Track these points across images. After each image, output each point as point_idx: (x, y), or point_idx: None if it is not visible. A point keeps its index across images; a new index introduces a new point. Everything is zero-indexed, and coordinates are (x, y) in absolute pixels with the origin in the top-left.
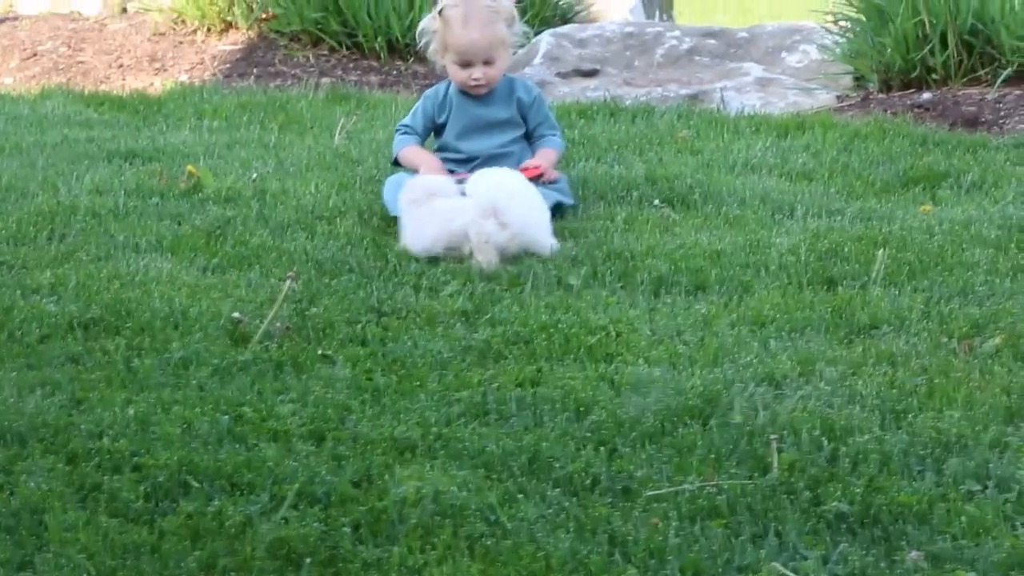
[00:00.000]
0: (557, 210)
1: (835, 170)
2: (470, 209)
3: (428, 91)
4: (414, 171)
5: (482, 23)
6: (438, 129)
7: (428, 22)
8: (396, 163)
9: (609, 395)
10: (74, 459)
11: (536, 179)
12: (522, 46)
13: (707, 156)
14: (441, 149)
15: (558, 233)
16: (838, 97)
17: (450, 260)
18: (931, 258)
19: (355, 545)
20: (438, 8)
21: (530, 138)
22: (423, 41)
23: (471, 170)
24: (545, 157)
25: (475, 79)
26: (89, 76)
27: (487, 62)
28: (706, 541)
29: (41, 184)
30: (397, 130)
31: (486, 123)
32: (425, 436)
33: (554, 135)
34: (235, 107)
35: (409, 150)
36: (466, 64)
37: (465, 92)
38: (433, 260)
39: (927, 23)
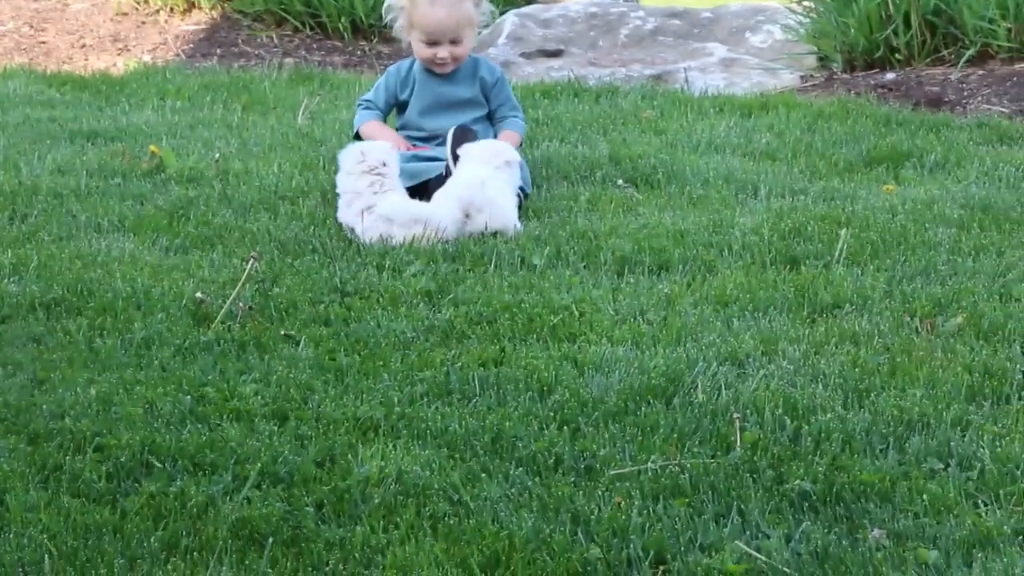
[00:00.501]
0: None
1: (799, 150)
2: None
3: (391, 67)
4: None
5: (449, 2)
6: (400, 106)
7: None
8: (357, 136)
9: (572, 375)
10: (36, 439)
11: None
12: (487, 26)
13: (671, 136)
14: (404, 127)
15: (523, 213)
16: (802, 77)
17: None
18: (894, 237)
19: (318, 525)
20: None
21: (492, 119)
22: (390, 17)
23: (433, 148)
24: (507, 139)
25: (441, 58)
26: (51, 56)
27: (453, 41)
28: (669, 520)
29: (2, 164)
30: (359, 104)
31: (449, 102)
32: (388, 416)
33: (516, 117)
34: (198, 87)
35: (370, 125)
36: (432, 43)
37: (429, 70)
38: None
39: (890, 3)
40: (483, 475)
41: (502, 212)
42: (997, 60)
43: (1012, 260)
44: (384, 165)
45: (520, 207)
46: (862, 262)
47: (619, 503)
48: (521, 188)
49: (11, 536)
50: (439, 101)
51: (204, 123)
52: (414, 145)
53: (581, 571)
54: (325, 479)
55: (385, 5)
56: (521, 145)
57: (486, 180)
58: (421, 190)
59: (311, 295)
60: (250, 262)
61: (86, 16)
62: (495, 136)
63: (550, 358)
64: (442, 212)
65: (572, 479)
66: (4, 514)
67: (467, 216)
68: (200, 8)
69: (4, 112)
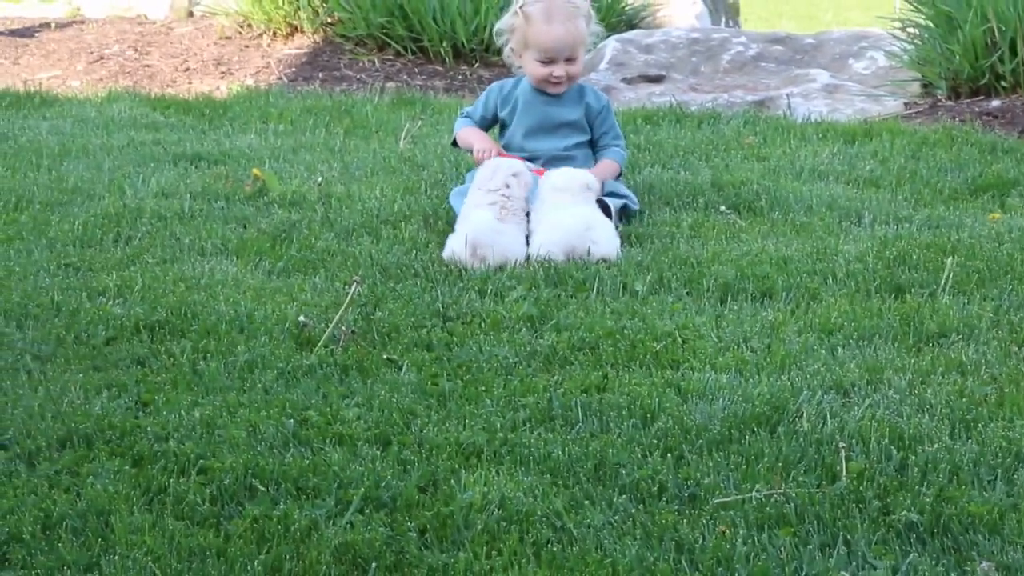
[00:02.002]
0: (623, 214)
1: (903, 177)
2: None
3: (495, 83)
4: (469, 151)
5: (565, 18)
6: (501, 125)
7: (508, 19)
8: (454, 144)
9: (675, 402)
10: (140, 461)
11: None
12: (589, 50)
13: (773, 162)
14: (506, 147)
15: (625, 239)
16: (906, 104)
17: (506, 266)
18: (1000, 266)
19: (421, 550)
20: (518, 5)
21: (594, 146)
22: (501, 40)
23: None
24: (606, 168)
25: (556, 76)
26: (155, 79)
27: (569, 59)
28: (774, 550)
29: (107, 186)
30: (459, 114)
31: (554, 123)
32: (491, 441)
33: (617, 146)
34: (300, 111)
35: (465, 130)
36: (548, 61)
37: (538, 89)
38: (500, 267)
39: (996, 30)
40: (586, 502)
41: (608, 244)
42: None
43: None
44: (508, 187)
45: (624, 222)
46: (968, 291)
47: (723, 532)
48: (625, 205)
49: (116, 558)
50: (544, 122)
51: (306, 147)
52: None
53: None
54: (428, 504)
55: (496, 28)
56: (621, 174)
57: (591, 223)
58: None
59: (413, 319)
60: (352, 286)
61: (190, 40)
62: (595, 163)
63: (653, 385)
64: (518, 248)
65: (676, 507)
66: (109, 536)
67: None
68: (303, 32)
69: (109, 135)
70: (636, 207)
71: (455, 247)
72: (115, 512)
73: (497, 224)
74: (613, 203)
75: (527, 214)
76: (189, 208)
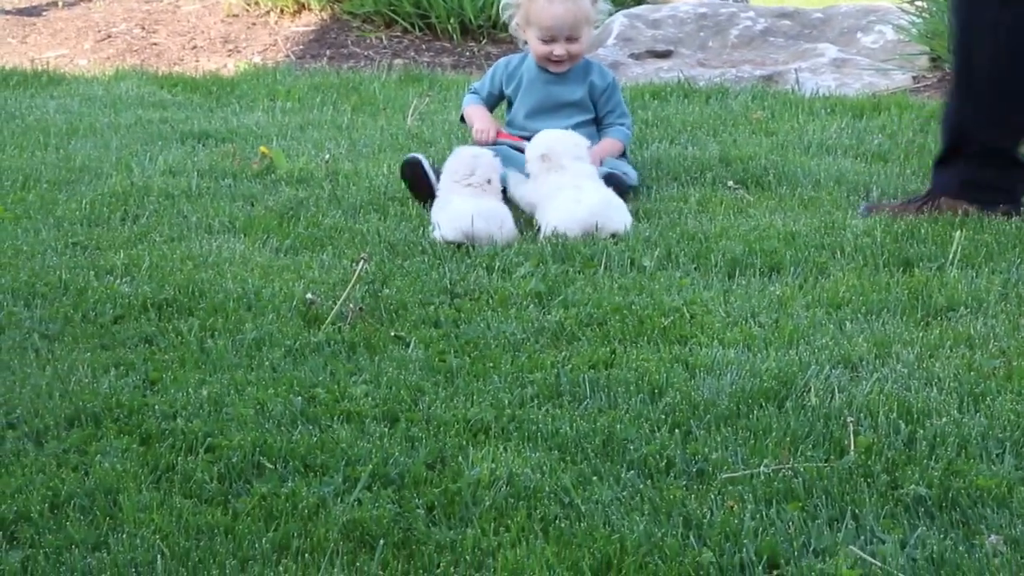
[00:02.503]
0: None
1: (911, 151)
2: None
3: (502, 59)
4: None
5: None
6: (507, 102)
7: None
8: (462, 120)
9: (683, 377)
10: (148, 440)
11: None
12: (598, 25)
13: (781, 137)
14: (508, 125)
15: (633, 214)
16: (914, 78)
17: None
18: (1008, 239)
19: (429, 527)
20: None
21: (599, 124)
22: (507, 15)
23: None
24: (607, 146)
25: (557, 55)
26: (163, 57)
27: (570, 38)
28: (782, 524)
29: (115, 165)
30: (468, 90)
31: (556, 103)
32: (499, 418)
33: (622, 124)
34: (308, 88)
35: (471, 108)
36: (549, 39)
37: (542, 67)
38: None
39: None
40: (594, 478)
41: (620, 220)
42: None
43: None
44: (489, 183)
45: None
46: (976, 264)
47: (731, 507)
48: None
49: (124, 536)
50: (546, 102)
51: (314, 124)
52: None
53: (693, 575)
54: (436, 481)
55: (502, 2)
56: (625, 153)
57: (611, 201)
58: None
59: (421, 296)
60: (360, 263)
61: (197, 18)
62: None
63: (661, 360)
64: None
65: (684, 482)
66: (117, 514)
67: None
68: (310, 9)
69: (116, 113)
70: (632, 182)
71: (447, 234)
72: (123, 491)
73: (481, 204)
74: (623, 174)
75: (503, 190)
76: (196, 186)
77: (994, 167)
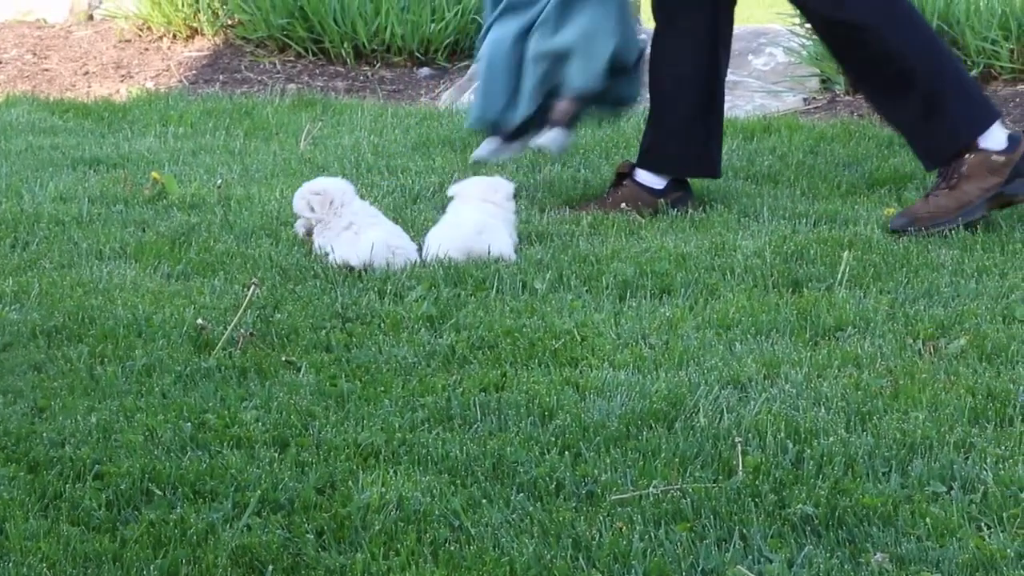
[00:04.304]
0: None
1: (801, 172)
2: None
3: None
4: None
5: None
6: None
7: None
8: None
9: (574, 399)
10: (36, 467)
11: None
12: None
13: None
14: None
15: (524, 237)
16: (805, 100)
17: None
18: (896, 260)
19: (318, 552)
20: None
21: None
22: None
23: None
24: None
25: None
26: (54, 83)
27: None
28: (671, 545)
29: (5, 192)
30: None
31: None
32: (389, 442)
33: None
34: (201, 113)
35: None
36: None
37: None
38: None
39: None
40: (484, 501)
41: (498, 247)
42: (1000, 81)
43: (1015, 281)
44: (312, 210)
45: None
46: (864, 284)
47: (621, 528)
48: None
49: (11, 565)
50: None
51: (206, 149)
52: None
53: None
54: (325, 506)
55: None
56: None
57: (484, 227)
58: None
59: (312, 321)
60: (251, 288)
61: (89, 43)
62: None
63: (552, 383)
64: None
65: (573, 504)
66: (4, 543)
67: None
68: (203, 35)
69: (7, 140)
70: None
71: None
72: (10, 519)
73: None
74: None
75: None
76: (87, 212)
77: None
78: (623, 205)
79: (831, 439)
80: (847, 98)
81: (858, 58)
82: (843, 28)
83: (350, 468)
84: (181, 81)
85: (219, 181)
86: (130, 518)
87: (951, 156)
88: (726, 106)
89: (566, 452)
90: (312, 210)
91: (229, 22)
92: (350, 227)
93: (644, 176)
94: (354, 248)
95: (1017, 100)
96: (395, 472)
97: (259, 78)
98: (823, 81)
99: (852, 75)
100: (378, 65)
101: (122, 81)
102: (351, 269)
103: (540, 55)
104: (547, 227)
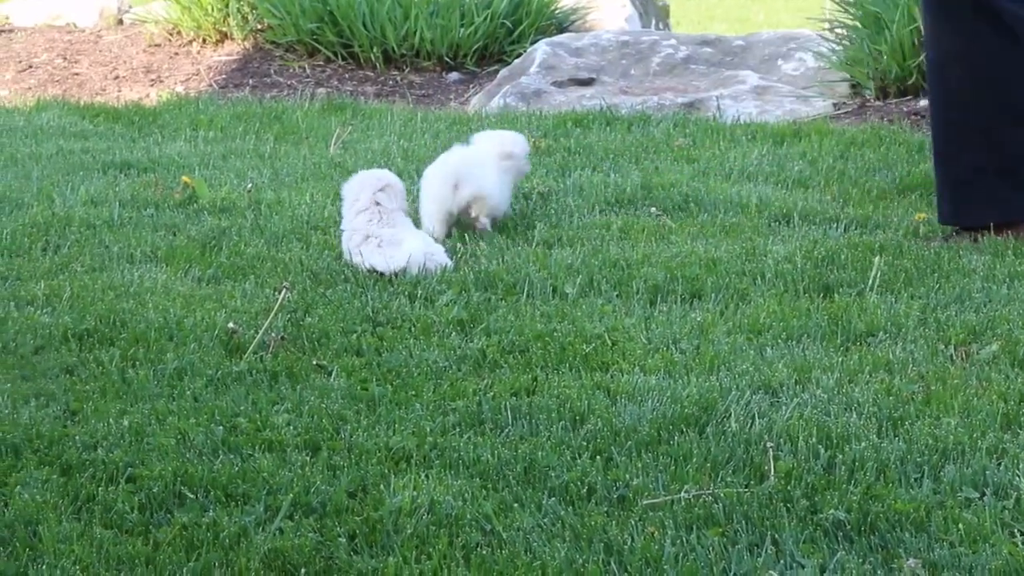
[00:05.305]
0: None
1: (831, 177)
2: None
3: None
4: None
5: None
6: None
7: None
8: None
9: (605, 404)
10: (69, 470)
11: None
12: (519, 55)
13: (703, 164)
14: None
15: (555, 241)
16: (835, 104)
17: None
18: (928, 265)
19: (350, 555)
20: None
21: None
22: None
23: None
24: None
25: None
26: (85, 87)
27: None
28: (702, 550)
29: (36, 195)
30: None
31: None
32: (421, 446)
33: None
34: (230, 118)
35: None
36: None
37: None
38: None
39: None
40: (515, 505)
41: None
42: None
43: None
44: (378, 204)
45: None
46: (896, 290)
47: (652, 533)
48: None
49: (44, 567)
50: None
51: (236, 153)
52: None
53: None
54: (357, 509)
55: None
56: None
57: (484, 161)
58: None
59: (343, 325)
60: (282, 292)
61: (119, 48)
62: None
63: (582, 387)
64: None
65: (605, 509)
66: (37, 545)
67: (455, 187)
68: (232, 39)
69: (38, 144)
70: None
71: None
72: (43, 522)
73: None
74: None
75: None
76: (118, 216)
77: None
78: None
79: (863, 444)
80: (877, 103)
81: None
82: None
83: (382, 472)
84: (211, 85)
85: (249, 185)
86: (163, 521)
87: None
88: (754, 112)
89: (597, 456)
90: (377, 204)
91: (259, 26)
92: (389, 235)
93: None
94: (393, 257)
95: None
96: (427, 476)
97: (288, 82)
98: (853, 86)
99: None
100: (407, 69)
101: (152, 85)
102: (381, 275)
103: None
104: (577, 232)
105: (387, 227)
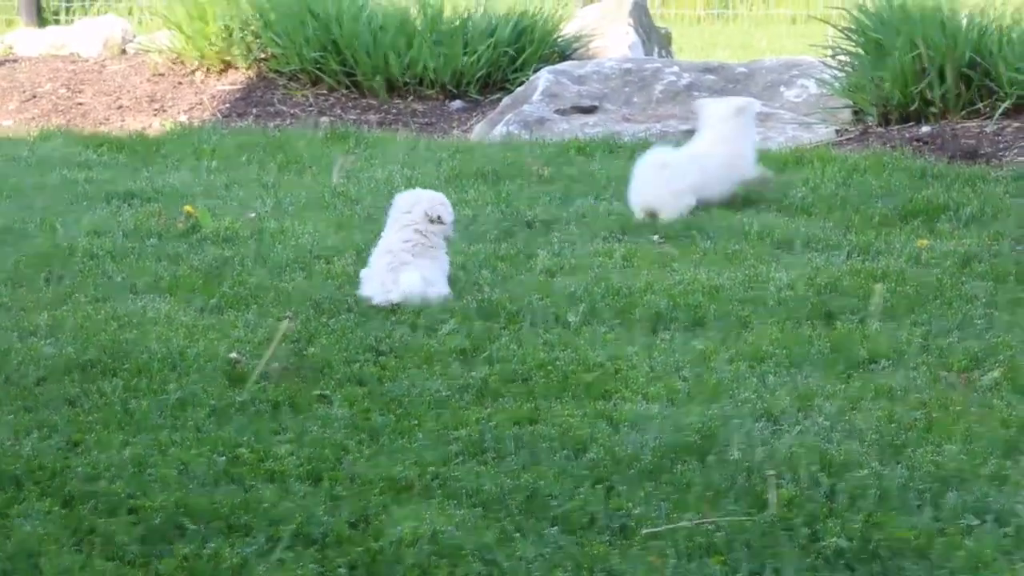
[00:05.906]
0: None
1: (834, 204)
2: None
3: None
4: None
5: None
6: None
7: None
8: None
9: (607, 432)
10: (70, 502)
11: None
12: (522, 83)
13: None
14: None
15: (558, 270)
16: (837, 131)
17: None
18: (929, 292)
19: None
20: None
21: None
22: None
23: None
24: None
25: None
26: (88, 117)
27: None
28: None
29: (39, 226)
30: None
31: None
32: (422, 476)
33: None
34: (234, 147)
35: None
36: None
37: None
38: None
39: (925, 56)
40: (517, 535)
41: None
42: None
43: None
44: (432, 223)
45: None
46: (897, 316)
47: (654, 562)
48: None
49: None
50: None
51: (239, 183)
52: None
53: None
54: (358, 540)
55: None
56: None
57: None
58: None
59: (345, 354)
60: (284, 322)
61: (123, 77)
62: None
63: (585, 416)
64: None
65: (607, 538)
66: None
67: None
68: (236, 68)
69: (42, 174)
70: None
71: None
72: (44, 554)
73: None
74: None
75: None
76: (121, 246)
77: None
78: None
79: (864, 472)
80: (879, 129)
81: None
82: None
83: (383, 502)
84: (214, 114)
85: (252, 215)
86: (164, 552)
87: None
88: (758, 138)
89: (599, 485)
90: (439, 219)
91: (262, 55)
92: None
93: None
94: (395, 287)
95: None
96: (428, 506)
97: (292, 111)
98: (855, 113)
99: None
100: (410, 98)
101: (155, 115)
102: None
103: None
104: (580, 259)
105: (418, 257)
